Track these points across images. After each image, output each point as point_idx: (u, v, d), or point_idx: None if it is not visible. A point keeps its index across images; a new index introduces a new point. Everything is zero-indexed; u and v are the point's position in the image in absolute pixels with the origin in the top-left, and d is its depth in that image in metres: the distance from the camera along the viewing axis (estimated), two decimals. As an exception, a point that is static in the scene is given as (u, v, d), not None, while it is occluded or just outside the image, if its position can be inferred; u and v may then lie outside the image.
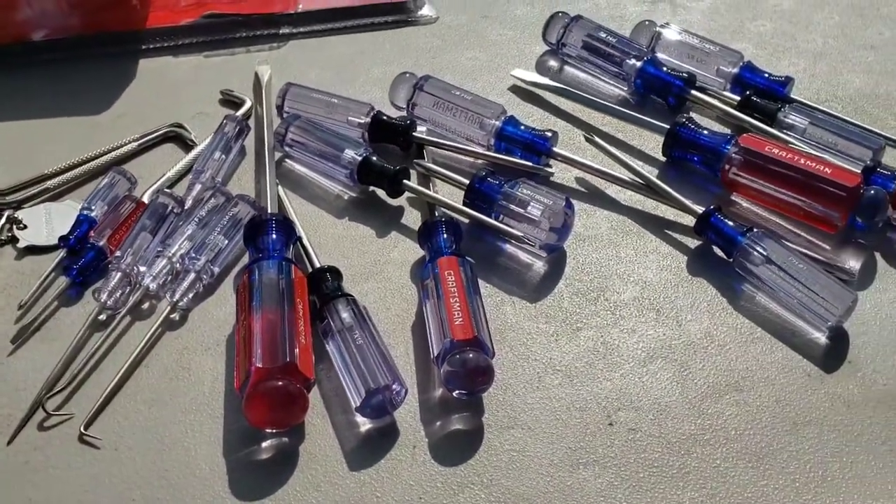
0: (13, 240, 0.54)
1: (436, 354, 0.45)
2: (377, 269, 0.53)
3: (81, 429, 0.44)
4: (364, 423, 0.45)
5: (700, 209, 0.54)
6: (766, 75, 0.64)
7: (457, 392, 0.45)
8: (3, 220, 0.54)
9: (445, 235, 0.51)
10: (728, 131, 0.62)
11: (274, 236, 0.50)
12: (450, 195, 0.56)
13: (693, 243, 0.54)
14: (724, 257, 0.53)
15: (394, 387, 0.44)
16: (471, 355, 0.44)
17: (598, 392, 0.46)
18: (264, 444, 0.44)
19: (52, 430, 0.44)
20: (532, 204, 0.52)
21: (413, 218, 0.56)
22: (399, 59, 0.69)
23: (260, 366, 0.43)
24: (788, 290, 0.50)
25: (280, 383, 0.42)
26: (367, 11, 0.72)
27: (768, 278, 0.51)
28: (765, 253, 0.51)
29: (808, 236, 0.55)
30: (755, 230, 0.52)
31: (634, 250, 0.54)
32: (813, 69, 0.68)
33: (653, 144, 0.61)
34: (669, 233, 0.55)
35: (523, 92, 0.66)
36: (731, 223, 0.52)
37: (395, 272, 0.53)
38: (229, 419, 0.45)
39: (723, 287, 0.52)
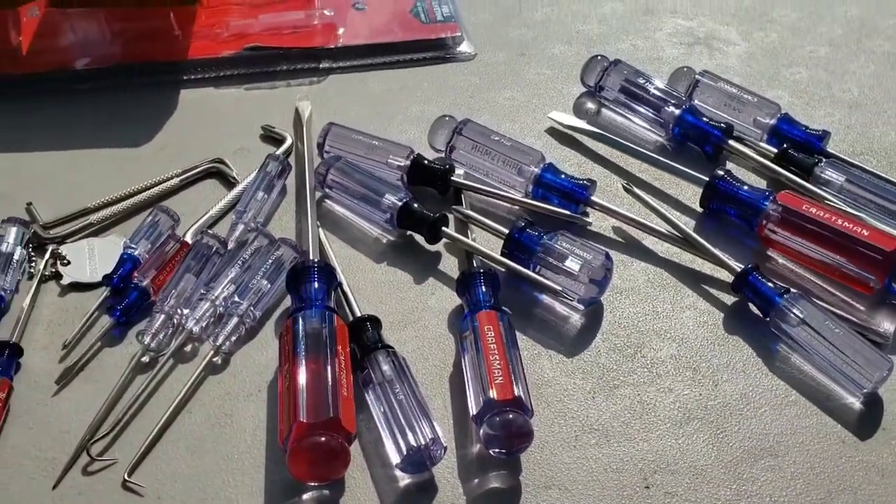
0: (57, 275, 0.54)
1: (475, 413, 0.46)
2: (415, 316, 0.54)
3: (125, 475, 0.45)
4: (403, 478, 0.45)
5: (738, 266, 0.54)
6: (804, 128, 0.64)
7: (495, 451, 0.46)
8: (48, 255, 0.55)
9: (484, 288, 0.52)
10: (764, 184, 0.63)
11: (317, 284, 0.51)
12: (487, 242, 0.57)
13: (729, 299, 0.55)
14: (760, 315, 0.53)
15: (433, 445, 0.44)
16: (510, 417, 0.44)
17: (634, 453, 0.47)
18: (305, 497, 0.44)
19: (97, 474, 0.45)
20: (571, 258, 0.53)
21: (450, 264, 0.57)
22: (437, 97, 0.70)
23: (304, 420, 0.43)
24: (823, 354, 0.50)
25: (323, 439, 0.43)
26: (407, 47, 0.73)
27: (804, 340, 0.51)
28: (801, 315, 0.51)
29: (842, 296, 0.55)
30: (792, 291, 0.52)
31: (671, 305, 0.55)
32: (849, 120, 0.68)
33: (690, 194, 0.61)
34: (706, 287, 0.56)
35: (560, 135, 0.67)
36: (769, 283, 0.53)
37: (433, 321, 0.53)
38: (271, 469, 0.45)
39: (758, 347, 0.52)
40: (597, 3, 0.81)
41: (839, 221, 0.55)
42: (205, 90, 0.70)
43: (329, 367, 0.46)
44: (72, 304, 0.53)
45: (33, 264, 0.55)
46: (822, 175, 0.61)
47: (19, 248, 0.55)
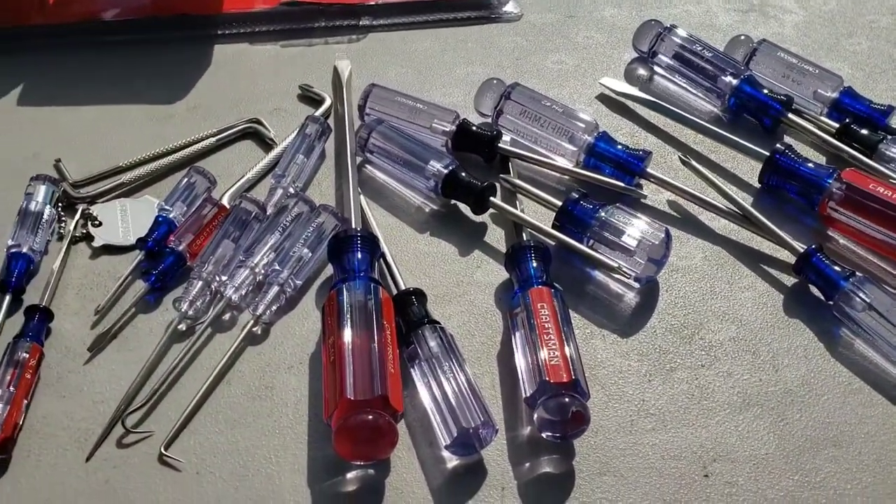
0: (88, 237, 0.52)
1: (528, 395, 0.44)
2: (460, 290, 0.51)
3: (162, 449, 0.43)
4: (451, 459, 0.43)
5: (800, 246, 0.52)
6: (868, 103, 0.61)
7: (549, 436, 0.43)
8: (78, 215, 0.53)
9: (536, 263, 0.49)
10: (824, 160, 0.60)
11: (360, 255, 0.48)
12: (535, 213, 0.54)
13: (790, 280, 0.52)
14: (822, 298, 0.51)
15: (484, 427, 0.42)
16: (567, 400, 0.42)
17: (692, 440, 0.45)
18: (349, 476, 0.42)
19: (132, 447, 0.43)
20: (629, 233, 0.50)
21: (496, 236, 0.55)
22: (482, 59, 0.67)
23: (351, 398, 0.41)
24: (890, 340, 0.48)
25: (371, 417, 0.41)
26: (450, 5, 0.70)
27: (869, 326, 0.49)
28: (868, 300, 0.49)
29: (908, 280, 0.53)
30: (858, 275, 0.50)
31: (729, 285, 0.52)
32: (913, 94, 0.66)
33: (746, 169, 0.59)
34: (765, 267, 0.53)
35: (612, 102, 0.64)
36: (834, 266, 0.50)
37: (479, 295, 0.51)
38: (313, 445, 0.44)
39: (820, 331, 0.50)
40: (647, -36, 0.78)
41: (908, 202, 0.53)
42: (239, 46, 0.67)
43: (376, 342, 0.44)
44: (104, 267, 0.51)
45: (63, 225, 0.53)
46: (888, 152, 0.58)
47: (49, 207, 0.52)
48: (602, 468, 0.43)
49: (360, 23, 0.68)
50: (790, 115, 0.61)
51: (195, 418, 0.45)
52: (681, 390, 0.47)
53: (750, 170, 0.58)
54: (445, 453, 0.43)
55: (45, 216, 0.52)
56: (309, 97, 0.62)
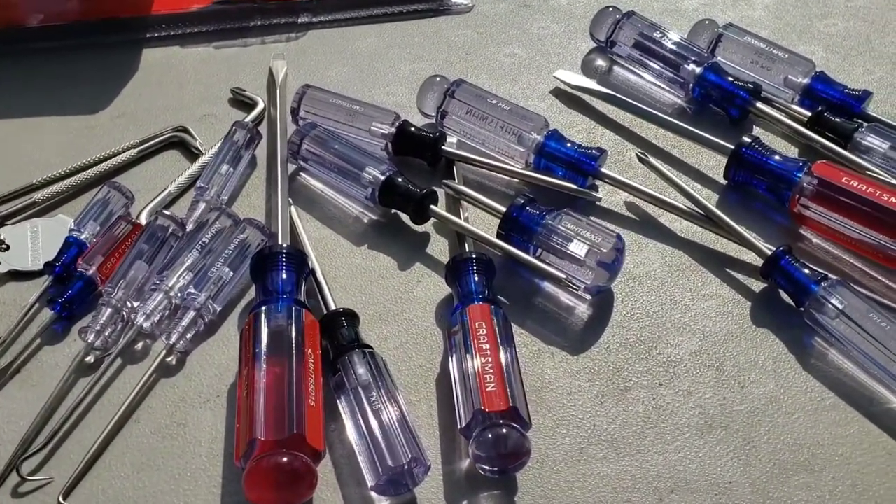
0: (-6, 262, 0.49)
1: (463, 425, 0.40)
2: (398, 308, 0.47)
3: (60, 498, 0.39)
4: (380, 500, 0.39)
5: (767, 248, 0.48)
6: (841, 88, 0.57)
7: (486, 471, 0.39)
8: (-16, 239, 0.49)
9: (477, 277, 0.45)
10: (796, 152, 0.56)
11: (284, 275, 0.44)
12: (482, 221, 0.50)
13: (758, 286, 0.48)
14: (793, 305, 0.47)
15: (415, 464, 0.38)
16: (503, 432, 0.38)
17: (648, 469, 0.41)
18: (266, 522, 0.39)
19: (28, 496, 0.39)
20: (577, 240, 0.46)
21: (439, 247, 0.51)
22: (430, 54, 0.63)
23: (262, 438, 0.37)
24: (866, 350, 0.44)
25: (285, 459, 0.37)
26: (396, -2, 0.66)
27: (843, 334, 0.45)
28: (840, 306, 0.45)
29: (885, 280, 0.49)
30: (831, 278, 0.46)
31: (691, 293, 0.48)
32: (891, 78, 0.61)
33: (712, 164, 0.55)
34: (731, 272, 0.49)
35: (567, 96, 0.60)
36: (804, 269, 0.46)
37: (419, 313, 0.47)
38: (228, 489, 0.40)
39: (790, 341, 0.46)
40: (608, -53, 0.73)
41: (883, 195, 0.49)
42: (170, 49, 0.64)
43: (294, 373, 0.40)
44: (10, 295, 0.48)
45: (-32, 249, 0.49)
46: (863, 141, 0.54)
47: (-47, 231, 0.49)
48: (547, 503, 0.40)
49: (299, 20, 0.65)
50: (759, 104, 0.57)
51: (99, 461, 0.41)
52: (636, 412, 0.43)
53: (716, 165, 0.54)
54: (374, 494, 0.39)
55: (-50, 241, 0.49)
56: (241, 101, 0.59)
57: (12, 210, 0.51)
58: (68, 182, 0.52)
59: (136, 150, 0.54)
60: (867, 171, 0.53)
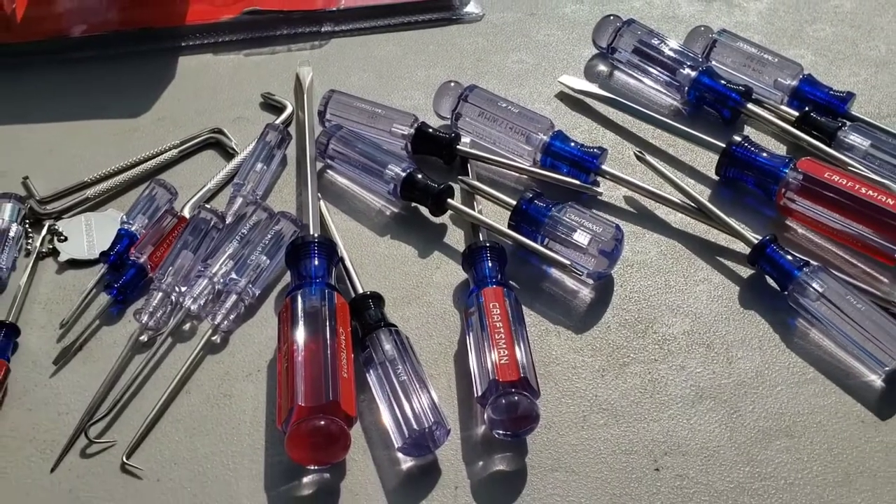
0: (54, 252, 0.53)
1: (479, 394, 0.44)
2: (419, 292, 0.52)
3: (124, 458, 0.44)
4: (405, 461, 0.44)
5: (754, 237, 0.52)
6: (827, 90, 0.62)
7: (500, 434, 0.44)
8: (45, 231, 0.54)
9: (490, 263, 0.50)
10: (785, 150, 0.60)
11: (317, 261, 0.49)
12: (494, 214, 0.55)
13: (745, 272, 0.53)
14: (777, 289, 0.51)
15: (436, 428, 0.43)
16: (515, 399, 0.43)
17: (644, 434, 0.45)
18: (305, 480, 0.43)
19: (95, 457, 0.44)
20: (580, 230, 0.51)
21: (456, 237, 0.55)
22: (443, 60, 0.67)
23: (303, 404, 0.42)
24: (844, 329, 0.48)
25: (322, 423, 0.42)
26: (411, 8, 0.70)
27: (823, 315, 0.49)
28: (821, 289, 0.49)
29: (864, 267, 0.53)
30: (812, 264, 0.50)
31: (685, 278, 0.53)
32: (875, 80, 0.65)
33: (705, 161, 0.59)
34: (721, 260, 0.53)
35: (571, 100, 0.64)
36: (787, 255, 0.51)
37: (438, 296, 0.52)
38: (271, 451, 0.44)
39: (775, 321, 0.50)
40: (611, -42, 0.78)
41: (863, 190, 0.53)
42: (203, 57, 0.68)
43: (328, 348, 0.44)
44: (69, 281, 0.52)
45: (30, 241, 0.54)
46: (846, 140, 0.58)
47: (15, 224, 0.54)
48: (554, 464, 0.44)
49: (322, 29, 0.69)
50: (750, 106, 0.61)
51: (156, 427, 0.45)
52: (633, 385, 0.48)
53: (709, 162, 0.59)
54: (400, 455, 0.44)
55: (12, 233, 0.53)
56: (271, 105, 0.63)
57: (68, 205, 0.56)
58: (116, 180, 0.57)
59: (176, 151, 0.59)
60: (849, 168, 0.57)
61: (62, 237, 0.54)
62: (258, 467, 0.44)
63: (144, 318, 0.49)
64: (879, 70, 0.66)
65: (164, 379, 0.47)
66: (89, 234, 0.54)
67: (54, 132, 0.62)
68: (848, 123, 0.59)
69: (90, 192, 0.56)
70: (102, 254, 0.52)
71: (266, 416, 0.46)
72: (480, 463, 0.44)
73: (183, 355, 0.48)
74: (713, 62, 0.64)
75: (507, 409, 0.43)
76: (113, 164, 0.58)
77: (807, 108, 0.60)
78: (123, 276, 0.50)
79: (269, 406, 0.46)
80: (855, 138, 0.58)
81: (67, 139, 0.61)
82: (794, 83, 0.62)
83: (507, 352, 0.45)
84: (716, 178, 0.58)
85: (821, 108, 0.61)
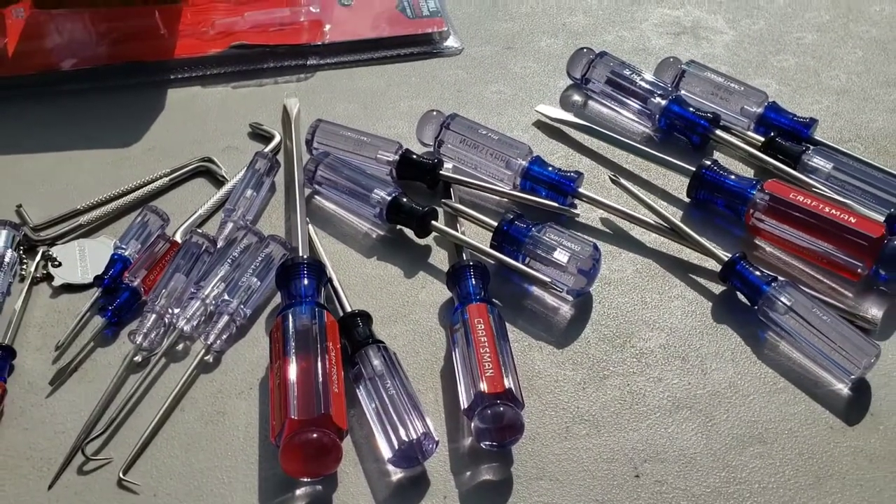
0: (48, 277, 0.55)
1: (466, 406, 0.46)
2: (405, 310, 0.54)
3: (120, 474, 0.45)
4: (395, 472, 0.45)
5: (725, 255, 0.54)
6: (791, 116, 0.65)
7: (487, 445, 0.46)
8: (39, 257, 0.55)
9: (474, 281, 0.52)
10: (752, 173, 0.63)
11: (306, 281, 0.51)
12: (476, 235, 0.57)
13: (717, 288, 0.55)
14: (748, 304, 0.54)
15: (425, 439, 0.45)
16: (501, 409, 0.45)
17: (624, 443, 0.47)
18: (298, 492, 0.45)
19: (92, 474, 0.45)
20: (559, 249, 0.53)
21: (440, 257, 0.57)
22: (425, 92, 0.70)
23: (295, 417, 0.43)
24: (811, 341, 0.51)
25: (315, 436, 0.43)
26: (394, 43, 0.73)
27: (792, 328, 0.52)
28: (789, 303, 0.51)
29: (830, 283, 0.55)
30: (780, 279, 0.53)
31: (660, 295, 0.55)
32: (836, 107, 0.69)
33: (677, 184, 0.62)
34: (694, 277, 0.56)
35: (548, 128, 0.67)
36: (756, 272, 0.53)
37: (424, 314, 0.54)
38: (264, 466, 0.46)
39: (746, 335, 0.53)
40: (583, -6, 0.81)
41: (826, 209, 0.56)
42: (192, 89, 0.70)
43: (319, 364, 0.46)
44: (64, 305, 0.54)
45: (24, 266, 0.55)
46: (810, 163, 0.61)
47: (10, 250, 0.55)
48: (539, 473, 0.46)
49: (308, 62, 0.71)
50: (718, 132, 0.64)
51: (152, 444, 0.47)
52: (613, 396, 0.49)
53: (680, 185, 0.61)
54: (390, 467, 0.46)
55: (7, 259, 0.54)
56: (259, 134, 0.65)
57: (61, 232, 0.57)
58: (109, 207, 0.59)
59: (167, 179, 0.61)
60: (813, 189, 0.59)
61: (56, 262, 0.55)
62: (252, 481, 0.45)
63: (139, 339, 0.50)
64: (840, 98, 0.70)
65: (159, 397, 0.49)
66: (83, 260, 0.55)
67: (47, 162, 0.63)
68: (811, 147, 0.62)
69: (83, 219, 0.58)
70: (96, 278, 0.53)
71: (259, 431, 0.47)
72: (468, 473, 0.46)
73: (177, 374, 0.49)
74: (682, 91, 0.67)
75: (494, 419, 0.45)
76: (105, 192, 0.60)
77: (772, 134, 0.63)
78: (118, 299, 0.52)
79: (262, 422, 0.48)
80: (818, 161, 0.61)
81: (60, 168, 0.63)
82: (760, 110, 0.65)
83: (492, 365, 0.46)
84: (687, 199, 0.61)
85: (785, 134, 0.64)
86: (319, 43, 0.72)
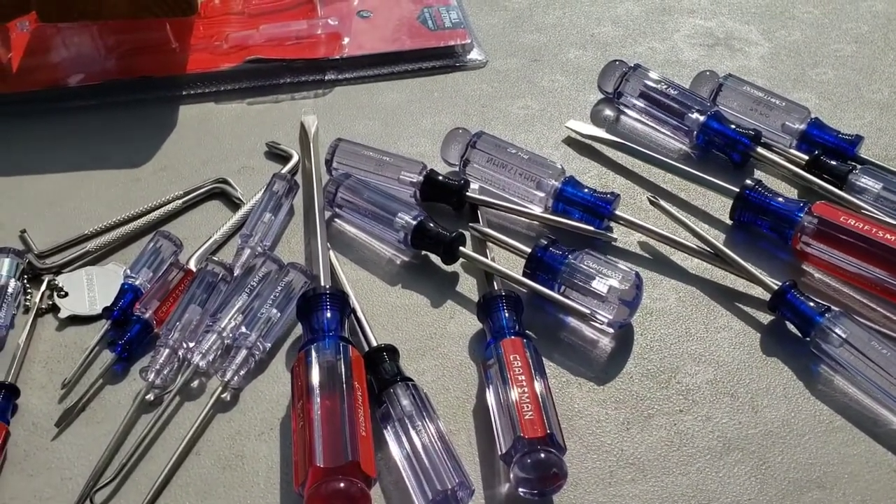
0: (54, 308, 0.51)
1: (504, 451, 0.43)
2: (434, 343, 0.51)
3: (131, 526, 0.42)
4: (428, 523, 0.42)
5: (774, 283, 0.51)
6: (836, 133, 0.61)
7: (526, 493, 0.43)
8: (44, 286, 0.52)
9: (507, 313, 0.49)
10: (795, 193, 0.60)
11: (329, 313, 0.48)
12: (506, 261, 0.54)
13: (765, 318, 0.52)
14: (799, 335, 0.50)
15: (460, 489, 0.41)
16: (543, 456, 0.41)
17: (673, 489, 0.44)
18: (324, 545, 0.42)
19: (101, 525, 0.42)
20: (599, 278, 0.50)
21: (469, 285, 0.54)
22: (448, 107, 0.67)
23: (321, 465, 0.40)
24: (869, 375, 0.47)
25: (343, 485, 0.40)
26: (415, 56, 0.70)
27: (847, 361, 0.48)
28: (844, 335, 0.48)
29: (884, 311, 0.52)
30: (833, 309, 0.49)
31: (705, 326, 0.52)
32: (880, 122, 0.65)
33: (717, 206, 0.59)
34: (740, 306, 0.52)
35: (579, 144, 0.64)
36: (808, 301, 0.50)
37: (453, 347, 0.50)
38: (286, 515, 0.43)
39: (798, 369, 0.49)
40: (611, 4, 0.78)
41: (879, 233, 0.52)
42: (205, 105, 0.67)
43: (346, 405, 0.43)
44: (71, 338, 0.51)
45: (29, 297, 0.52)
46: (857, 182, 0.58)
47: (13, 280, 0.52)
48: (582, 523, 0.43)
49: (326, 77, 0.68)
50: (759, 149, 0.61)
51: (165, 491, 0.43)
52: (659, 437, 0.46)
53: (721, 206, 0.58)
54: (422, 516, 0.42)
55: (10, 289, 0.51)
56: (276, 154, 0.62)
57: (68, 259, 0.54)
58: (118, 232, 0.56)
59: (180, 201, 0.57)
60: (863, 211, 0.56)
61: (62, 293, 0.52)
62: (274, 532, 0.42)
63: (151, 376, 0.47)
64: (884, 112, 0.66)
65: (173, 440, 0.45)
66: (91, 289, 0.52)
67: (53, 183, 0.60)
68: (858, 166, 0.59)
69: (91, 245, 0.55)
70: (105, 309, 0.50)
71: (280, 477, 0.44)
72: (506, 523, 0.43)
73: (192, 414, 0.46)
74: (720, 106, 0.64)
75: (535, 467, 0.41)
76: (114, 215, 0.57)
77: (816, 152, 0.60)
78: (128, 332, 0.49)
79: (284, 466, 0.44)
80: (867, 181, 0.58)
81: (66, 190, 0.60)
82: (803, 127, 0.62)
83: (531, 406, 0.43)
84: (729, 222, 0.57)
85: (830, 152, 0.61)
86: (338, 57, 0.69)
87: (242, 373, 0.48)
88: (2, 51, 0.67)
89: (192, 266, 0.52)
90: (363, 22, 0.73)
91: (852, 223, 0.53)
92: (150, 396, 0.47)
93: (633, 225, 0.55)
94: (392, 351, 0.48)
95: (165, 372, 0.47)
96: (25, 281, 0.53)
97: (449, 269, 0.55)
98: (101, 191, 0.60)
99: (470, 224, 0.56)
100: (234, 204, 0.58)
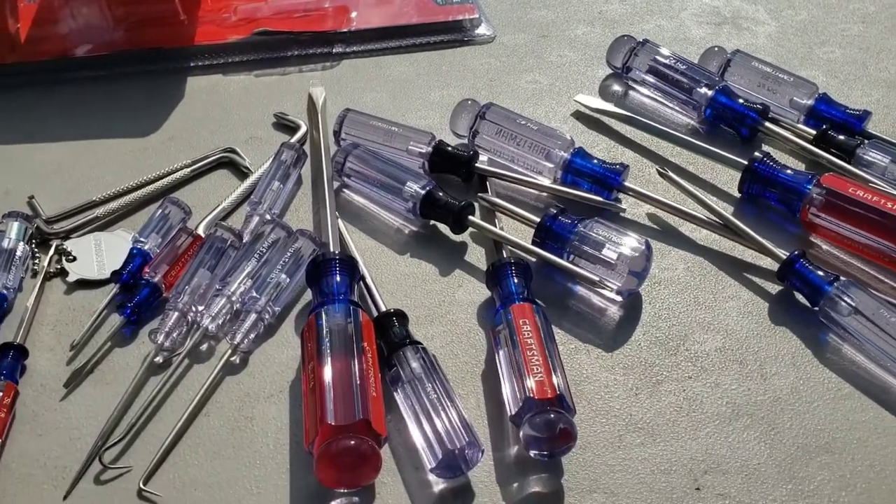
0: (62, 272, 0.51)
1: (513, 412, 0.43)
2: (442, 310, 0.51)
3: (140, 484, 0.42)
4: (437, 483, 0.42)
5: (783, 253, 0.51)
6: (843, 109, 0.61)
7: (536, 454, 0.43)
8: (52, 251, 0.52)
9: (517, 279, 0.49)
10: (803, 167, 0.60)
11: (339, 278, 0.48)
12: (515, 231, 0.54)
13: (774, 288, 0.52)
14: (808, 304, 0.50)
15: (470, 448, 0.41)
16: (552, 416, 0.41)
17: (682, 453, 0.44)
18: (333, 504, 0.42)
19: (110, 483, 0.42)
20: (608, 246, 0.50)
21: (477, 254, 0.54)
22: (456, 81, 0.67)
23: (332, 423, 0.40)
24: (877, 344, 0.47)
25: (353, 443, 0.40)
26: (423, 30, 0.70)
27: (856, 330, 0.48)
28: (853, 304, 0.48)
29: (892, 283, 0.52)
30: (842, 279, 0.50)
31: (713, 295, 0.52)
32: (888, 100, 0.65)
33: (726, 178, 0.59)
34: (749, 276, 0.53)
35: (587, 118, 0.64)
36: (817, 271, 0.50)
37: (461, 314, 0.50)
38: (296, 475, 0.42)
39: (807, 337, 0.49)
40: (618, -18, 0.78)
41: (888, 204, 0.52)
42: (213, 77, 0.67)
43: (356, 366, 0.43)
44: (79, 302, 0.51)
45: (37, 261, 0.52)
46: (865, 157, 0.58)
47: (22, 243, 0.52)
48: (591, 485, 0.42)
49: (334, 50, 0.68)
50: (767, 124, 0.61)
51: (174, 451, 0.43)
52: (668, 403, 0.46)
53: (729, 179, 0.58)
54: (431, 476, 0.42)
55: (19, 253, 0.51)
56: (284, 125, 0.62)
57: (76, 225, 0.54)
58: (127, 199, 0.55)
59: (188, 169, 0.57)
60: (870, 184, 0.56)
61: (70, 257, 0.52)
62: (283, 492, 0.42)
63: (160, 339, 0.47)
64: (891, 90, 0.66)
65: (182, 401, 0.45)
66: (99, 254, 0.52)
67: (61, 151, 0.60)
68: (866, 141, 0.59)
69: (99, 211, 0.55)
70: (114, 273, 0.50)
71: (290, 438, 0.44)
72: (515, 484, 0.42)
73: (201, 377, 0.46)
74: (728, 81, 0.64)
75: (545, 426, 0.41)
76: (122, 183, 0.57)
77: (825, 127, 0.60)
78: (137, 295, 0.49)
79: (293, 428, 0.44)
80: (875, 155, 0.58)
81: (75, 158, 0.60)
82: (810, 102, 0.62)
83: (541, 368, 0.43)
84: (737, 194, 0.57)
85: (837, 127, 0.61)
86: (346, 30, 0.69)
87: (252, 336, 0.48)
88: (10, 21, 0.67)
89: (202, 232, 0.52)
90: (371, -5, 0.73)
91: (861, 194, 0.53)
92: (159, 359, 0.47)
93: (642, 196, 0.55)
94: (401, 316, 0.48)
95: (175, 335, 0.47)
96: (34, 245, 0.53)
97: (457, 238, 0.55)
98: (109, 159, 0.60)
99: (479, 194, 0.56)
100: (242, 173, 0.58)
